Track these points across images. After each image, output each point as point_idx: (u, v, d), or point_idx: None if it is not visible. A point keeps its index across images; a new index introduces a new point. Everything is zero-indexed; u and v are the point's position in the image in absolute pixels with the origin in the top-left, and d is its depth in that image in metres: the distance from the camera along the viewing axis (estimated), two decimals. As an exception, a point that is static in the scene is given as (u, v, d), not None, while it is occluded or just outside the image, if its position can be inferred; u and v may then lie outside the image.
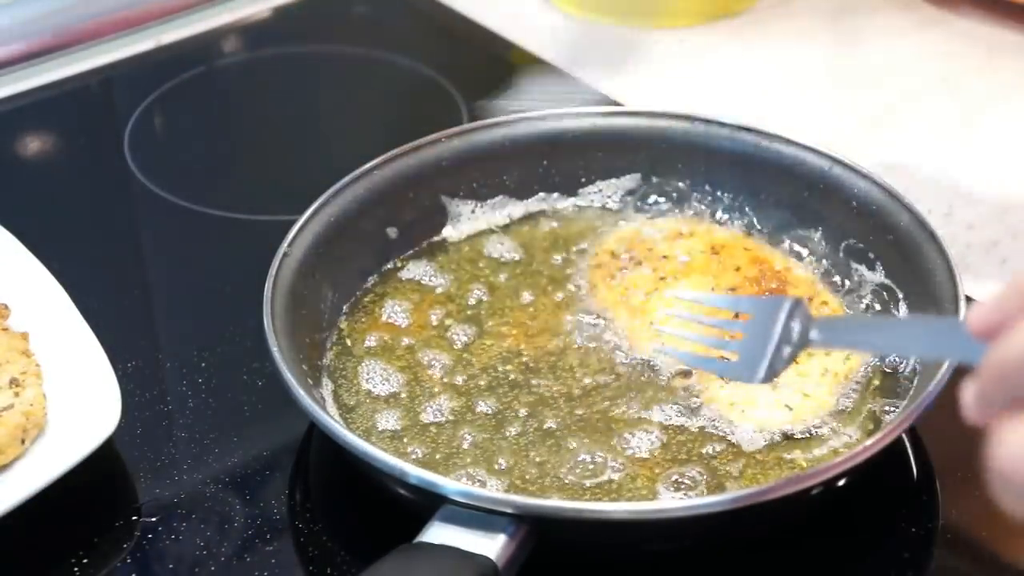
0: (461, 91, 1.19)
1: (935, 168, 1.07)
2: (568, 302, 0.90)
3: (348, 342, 0.88)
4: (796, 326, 0.68)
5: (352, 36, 1.30)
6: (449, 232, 0.96)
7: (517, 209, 0.98)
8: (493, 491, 0.76)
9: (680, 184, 0.97)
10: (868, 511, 0.79)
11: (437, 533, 0.70)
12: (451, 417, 0.82)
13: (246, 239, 1.03)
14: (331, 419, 0.76)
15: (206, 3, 1.31)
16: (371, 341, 0.88)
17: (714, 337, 0.75)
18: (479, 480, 0.78)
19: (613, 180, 0.98)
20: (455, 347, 0.87)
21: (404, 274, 0.93)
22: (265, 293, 0.82)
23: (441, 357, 0.87)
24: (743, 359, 0.71)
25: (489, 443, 0.80)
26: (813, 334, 0.67)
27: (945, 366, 0.75)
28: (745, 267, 0.91)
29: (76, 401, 0.81)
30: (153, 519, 0.80)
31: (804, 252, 0.92)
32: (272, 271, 0.84)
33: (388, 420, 0.82)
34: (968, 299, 0.81)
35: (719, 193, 0.97)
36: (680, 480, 0.77)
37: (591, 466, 0.78)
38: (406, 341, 0.88)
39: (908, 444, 0.82)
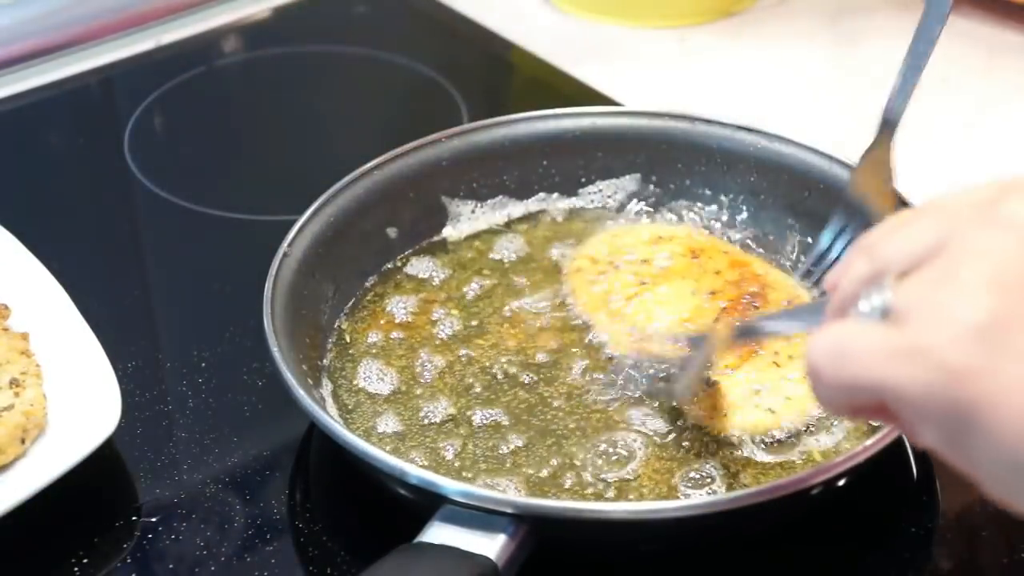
0: (461, 91, 1.19)
1: (936, 168, 1.07)
2: (565, 303, 0.90)
3: (348, 342, 0.88)
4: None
5: (352, 36, 1.30)
6: (449, 232, 0.96)
7: (517, 209, 0.98)
8: (493, 491, 0.76)
9: (680, 184, 0.97)
10: (868, 511, 0.79)
11: (437, 533, 0.70)
12: (451, 416, 0.82)
13: (246, 239, 1.03)
14: (331, 419, 0.76)
15: (206, 3, 1.31)
16: (371, 341, 0.88)
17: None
18: (479, 480, 0.78)
19: (613, 180, 0.98)
20: (455, 347, 0.87)
21: (404, 274, 0.93)
22: (265, 293, 0.82)
23: (441, 357, 0.87)
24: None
25: (488, 442, 0.80)
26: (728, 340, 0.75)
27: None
28: (725, 270, 0.90)
29: (76, 401, 0.81)
30: (153, 519, 0.80)
31: (803, 254, 0.93)
32: (272, 271, 0.84)
33: (388, 420, 0.82)
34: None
35: (718, 193, 0.97)
36: (692, 477, 0.77)
37: (590, 467, 0.78)
38: (406, 341, 0.88)
39: (908, 444, 0.82)
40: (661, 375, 0.82)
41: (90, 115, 1.23)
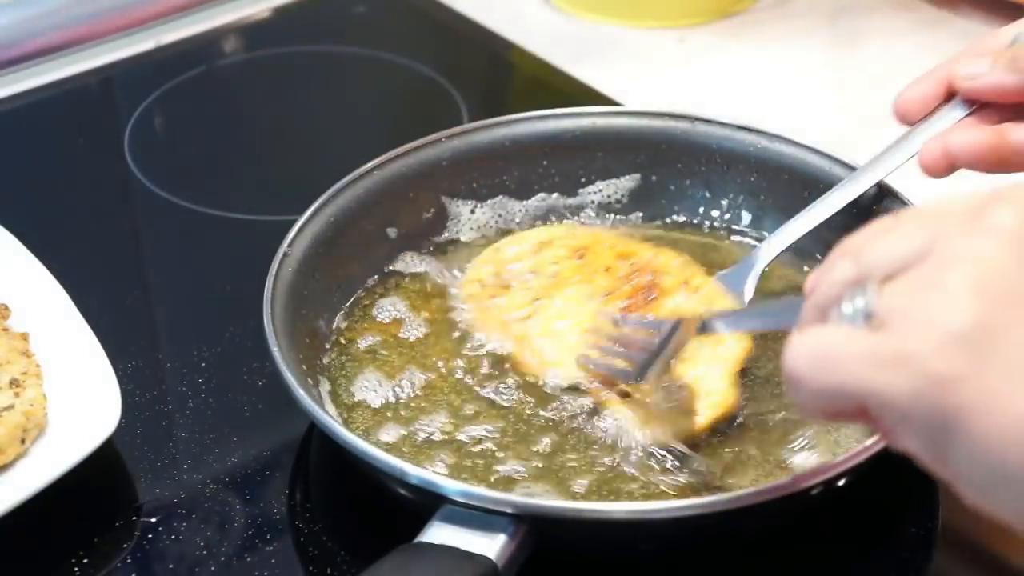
0: (461, 91, 1.19)
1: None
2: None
3: (348, 342, 0.88)
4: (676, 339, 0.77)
5: (352, 36, 1.30)
6: (449, 232, 0.96)
7: (517, 209, 0.98)
8: (493, 491, 0.76)
9: (680, 184, 0.97)
10: (868, 511, 0.79)
11: (437, 533, 0.70)
12: (451, 415, 0.82)
13: (246, 239, 1.03)
14: (331, 419, 0.76)
15: (206, 3, 1.31)
16: (371, 341, 0.88)
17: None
18: (478, 480, 0.78)
19: (613, 180, 0.98)
20: (455, 347, 0.87)
21: (404, 274, 0.93)
22: (265, 293, 0.82)
23: (440, 357, 0.87)
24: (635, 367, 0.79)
25: (488, 442, 0.80)
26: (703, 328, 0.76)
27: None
28: (614, 265, 0.89)
29: (76, 401, 0.81)
30: (153, 519, 0.80)
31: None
32: (272, 271, 0.84)
33: (387, 420, 0.82)
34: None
35: (718, 194, 0.97)
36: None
37: (587, 468, 0.79)
38: (406, 341, 0.88)
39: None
40: (625, 356, 0.80)
41: (90, 115, 1.22)
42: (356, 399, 0.84)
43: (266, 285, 0.83)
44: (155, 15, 1.29)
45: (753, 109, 1.15)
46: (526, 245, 0.92)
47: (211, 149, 1.16)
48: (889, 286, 0.54)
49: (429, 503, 0.71)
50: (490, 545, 0.69)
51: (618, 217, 0.98)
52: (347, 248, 0.90)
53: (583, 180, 0.99)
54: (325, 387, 0.84)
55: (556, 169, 0.98)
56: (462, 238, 0.96)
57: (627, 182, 0.98)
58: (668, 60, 1.24)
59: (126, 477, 0.83)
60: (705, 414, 0.80)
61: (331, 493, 0.83)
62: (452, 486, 0.71)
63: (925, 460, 0.53)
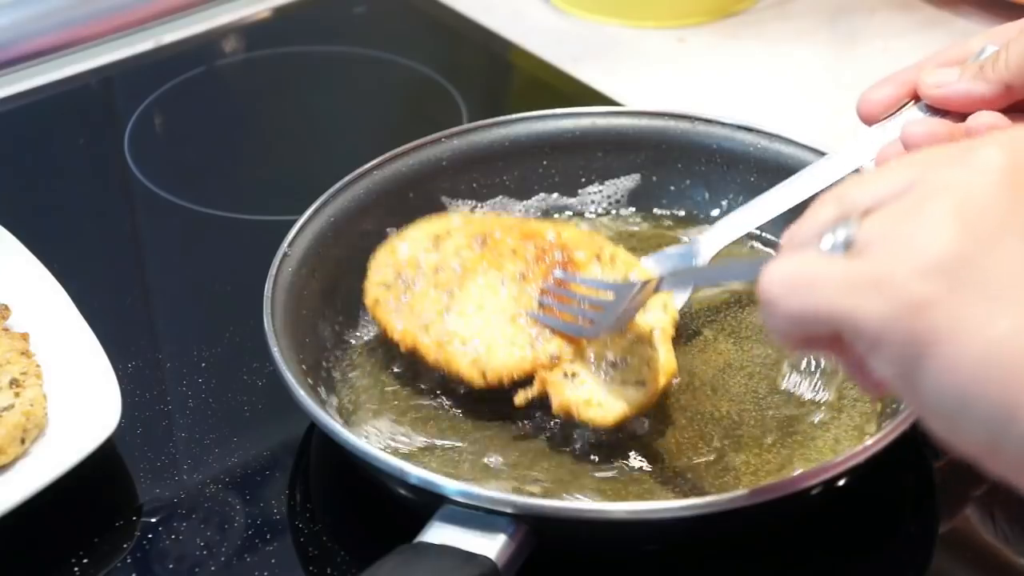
0: (461, 91, 1.19)
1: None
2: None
3: (348, 342, 0.88)
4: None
5: (352, 36, 1.30)
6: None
7: (517, 209, 0.98)
8: (493, 491, 0.76)
9: (679, 184, 0.97)
10: (868, 512, 0.79)
11: (437, 533, 0.70)
12: (450, 414, 0.82)
13: (246, 239, 1.03)
14: (331, 419, 0.76)
15: (206, 3, 1.31)
16: (371, 341, 0.88)
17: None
18: (477, 480, 0.78)
19: (613, 180, 0.98)
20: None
21: (404, 274, 0.93)
22: (265, 293, 0.82)
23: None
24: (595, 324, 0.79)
25: (486, 441, 0.80)
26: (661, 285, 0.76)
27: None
28: (519, 248, 0.85)
29: (76, 401, 0.81)
30: (153, 519, 0.80)
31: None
32: (272, 271, 0.84)
33: (387, 419, 0.82)
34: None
35: (718, 194, 0.97)
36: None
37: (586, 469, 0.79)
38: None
39: (908, 444, 0.82)
40: (588, 316, 0.79)
41: (90, 115, 1.22)
42: (356, 390, 0.84)
43: (266, 285, 0.83)
44: (155, 15, 1.29)
45: (753, 109, 1.15)
46: (421, 239, 0.87)
47: (211, 149, 1.16)
48: (870, 217, 0.54)
49: (429, 503, 0.71)
50: (490, 545, 0.69)
51: (618, 217, 0.98)
52: (347, 248, 0.90)
53: (583, 180, 0.99)
54: (325, 387, 0.84)
55: (556, 169, 0.98)
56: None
57: (627, 182, 0.98)
58: (668, 60, 1.24)
59: (126, 477, 0.83)
60: (657, 381, 0.79)
61: (331, 493, 0.83)
62: (452, 486, 0.71)
63: (896, 387, 0.53)
